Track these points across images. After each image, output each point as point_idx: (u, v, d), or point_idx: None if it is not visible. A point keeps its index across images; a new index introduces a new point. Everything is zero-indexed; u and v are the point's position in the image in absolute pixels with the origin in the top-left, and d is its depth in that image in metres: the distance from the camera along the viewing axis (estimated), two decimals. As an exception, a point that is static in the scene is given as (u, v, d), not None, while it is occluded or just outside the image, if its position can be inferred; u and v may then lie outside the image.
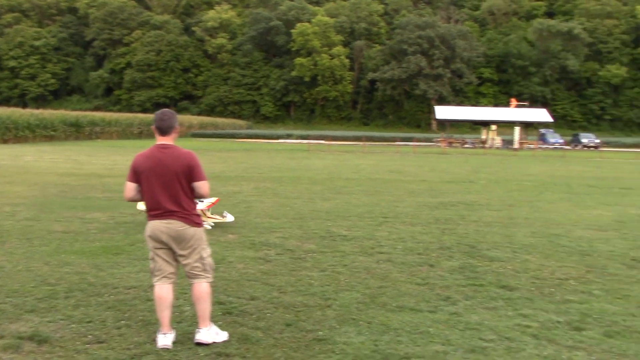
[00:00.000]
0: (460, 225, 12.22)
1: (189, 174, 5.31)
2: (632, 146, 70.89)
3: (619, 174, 29.45)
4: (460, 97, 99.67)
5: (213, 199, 11.44)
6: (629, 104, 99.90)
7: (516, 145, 62.88)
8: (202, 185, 5.37)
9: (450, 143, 66.58)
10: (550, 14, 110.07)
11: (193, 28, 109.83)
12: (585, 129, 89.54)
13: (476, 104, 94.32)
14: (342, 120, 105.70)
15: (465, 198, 17.19)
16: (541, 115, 71.07)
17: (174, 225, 5.29)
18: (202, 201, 10.77)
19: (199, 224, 5.46)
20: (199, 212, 10.87)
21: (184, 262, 5.43)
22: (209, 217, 11.20)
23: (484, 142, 66.76)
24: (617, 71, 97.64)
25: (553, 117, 75.44)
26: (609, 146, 71.65)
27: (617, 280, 8.01)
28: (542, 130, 73.29)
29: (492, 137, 66.52)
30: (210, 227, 10.80)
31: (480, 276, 8.03)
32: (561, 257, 9.38)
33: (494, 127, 67.36)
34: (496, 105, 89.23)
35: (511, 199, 17.34)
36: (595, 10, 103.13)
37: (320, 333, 5.72)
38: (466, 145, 66.59)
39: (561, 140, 69.51)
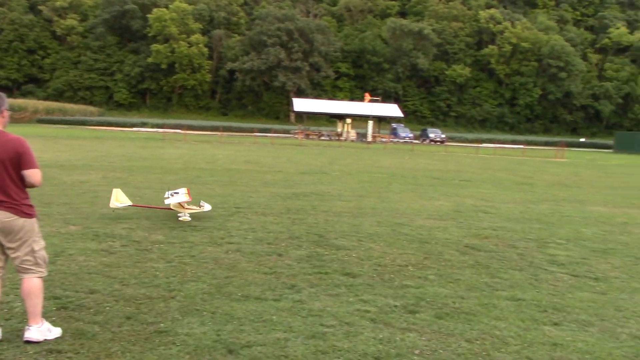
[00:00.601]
0: (311, 215, 12.49)
1: (18, 161, 4.96)
2: (474, 141, 76.21)
3: (460, 167, 31.54)
4: (318, 90, 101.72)
5: (184, 193, 11.39)
6: (471, 102, 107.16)
7: (369, 138, 65.33)
8: (32, 174, 5.04)
9: (307, 135, 67.80)
10: (403, 14, 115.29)
11: (39, 7, 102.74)
12: (433, 125, 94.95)
13: (333, 97, 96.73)
14: (201, 109, 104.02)
15: (318, 189, 17.59)
16: (393, 110, 74.39)
17: (0, 216, 4.94)
18: (175, 194, 11.39)
19: (29, 215, 5.11)
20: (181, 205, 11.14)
21: (13, 255, 5.08)
22: (186, 208, 11.24)
23: (339, 134, 68.68)
24: (461, 71, 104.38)
25: (404, 112, 79.31)
26: (453, 141, 76.64)
27: (450, 266, 8.59)
28: (394, 125, 76.70)
29: (348, 130, 68.61)
30: (189, 219, 11.00)
31: (326, 264, 8.27)
32: (402, 244, 9.89)
33: (349, 120, 69.50)
34: (352, 99, 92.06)
35: (362, 190, 18.00)
36: (444, 12, 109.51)
37: (162, 325, 5.60)
38: (322, 138, 68.14)
39: (411, 135, 73.19)
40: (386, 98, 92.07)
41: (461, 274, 8.16)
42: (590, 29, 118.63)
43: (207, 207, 11.50)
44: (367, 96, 77.41)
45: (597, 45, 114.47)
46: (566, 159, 48.31)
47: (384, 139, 68.61)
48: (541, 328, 6.15)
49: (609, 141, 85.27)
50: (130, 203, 11.12)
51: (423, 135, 75.33)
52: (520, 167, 33.78)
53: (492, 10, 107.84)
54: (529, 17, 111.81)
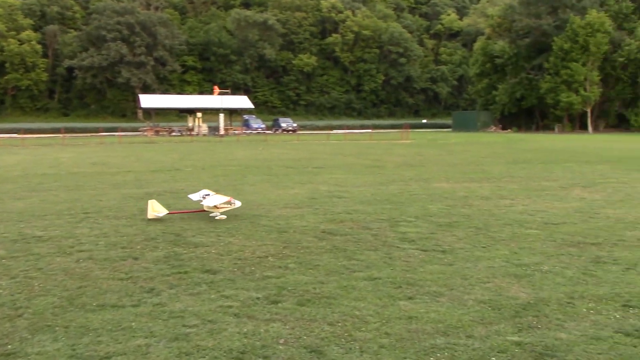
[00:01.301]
0: (166, 214, 12.16)
1: None
2: (324, 128, 78.08)
3: (313, 154, 32.21)
4: (166, 85, 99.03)
5: (226, 198, 11.93)
6: (319, 90, 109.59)
7: (222, 131, 64.77)
8: None
9: (157, 132, 65.87)
10: (246, 5, 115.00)
11: None
12: (285, 114, 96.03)
13: (181, 92, 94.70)
14: (39, 111, 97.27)
15: (171, 186, 17.17)
16: (243, 102, 74.28)
17: None
18: (206, 196, 12.17)
19: None
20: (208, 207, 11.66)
21: None
22: (218, 208, 11.75)
23: (190, 129, 67.42)
24: (308, 60, 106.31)
25: (255, 103, 79.47)
26: (305, 129, 77.99)
27: (309, 252, 8.76)
28: (246, 117, 76.63)
29: (199, 124, 67.55)
30: (224, 217, 11.60)
31: (185, 263, 8.11)
32: (261, 236, 9.94)
33: (199, 114, 68.42)
34: (201, 93, 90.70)
35: (216, 184, 17.80)
36: (287, 2, 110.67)
37: (10, 347, 5.21)
38: (173, 134, 66.54)
39: (263, 126, 73.56)
40: (236, 90, 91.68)
41: (320, 259, 8.35)
42: (425, 15, 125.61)
43: (237, 203, 12.05)
44: (216, 89, 76.61)
45: (432, 31, 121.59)
46: (411, 140, 50.93)
47: (236, 132, 68.37)
48: (397, 304, 6.45)
49: (448, 121, 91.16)
50: (166, 212, 11.59)
51: (275, 125, 75.99)
52: (370, 151, 35.12)
53: (334, 0, 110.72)
54: (369, 6, 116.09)
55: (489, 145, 42.35)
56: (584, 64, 67.42)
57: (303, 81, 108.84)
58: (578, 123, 72.93)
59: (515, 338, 5.52)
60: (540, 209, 12.81)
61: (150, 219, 11.39)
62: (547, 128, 74.23)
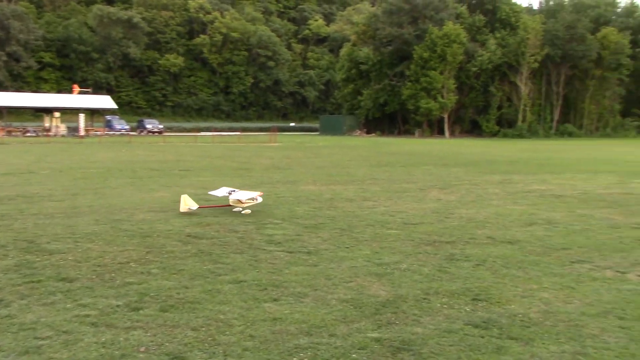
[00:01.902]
0: (18, 220, 11.40)
1: None
2: (192, 130, 76.67)
3: (180, 157, 31.54)
4: (20, 83, 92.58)
5: (256, 194, 13.02)
6: (187, 91, 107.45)
7: (82, 132, 61.70)
8: None
9: (9, 132, 61.49)
10: (110, 1, 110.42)
11: None
12: (150, 115, 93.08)
13: (37, 90, 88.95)
14: None
15: (25, 190, 16.10)
16: (106, 102, 71.16)
17: None
18: (232, 192, 13.08)
19: None
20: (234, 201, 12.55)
21: None
22: (243, 203, 12.64)
23: (47, 130, 63.60)
24: (175, 60, 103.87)
25: (118, 103, 76.42)
26: (171, 131, 76.22)
27: (173, 257, 8.57)
28: (108, 117, 73.49)
29: (57, 124, 63.90)
30: (249, 212, 12.50)
31: (38, 272, 7.64)
32: (123, 241, 9.58)
33: (57, 114, 64.71)
34: (59, 91, 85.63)
35: (76, 187, 16.94)
36: (152, 1, 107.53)
37: None
38: (28, 134, 62.38)
39: (127, 127, 70.90)
40: (98, 89, 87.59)
41: (184, 263, 8.20)
42: (293, 20, 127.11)
43: (259, 198, 12.96)
44: (76, 88, 72.85)
45: (300, 36, 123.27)
46: (279, 143, 51.31)
47: (98, 132, 65.41)
48: (262, 306, 6.48)
49: (316, 124, 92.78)
50: (197, 206, 12.49)
51: (140, 127, 73.56)
52: (238, 154, 34.98)
53: (202, 0, 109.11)
54: (237, 8, 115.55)
55: (354, 148, 43.65)
56: (441, 73, 71.27)
57: (170, 82, 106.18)
58: (436, 128, 76.96)
59: (375, 334, 5.73)
60: (400, 210, 13.39)
61: (183, 212, 12.29)
62: (408, 132, 77.68)
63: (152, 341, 5.42)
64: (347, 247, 9.43)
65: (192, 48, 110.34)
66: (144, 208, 13.10)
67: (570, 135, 74.06)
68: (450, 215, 12.78)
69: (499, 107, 75.13)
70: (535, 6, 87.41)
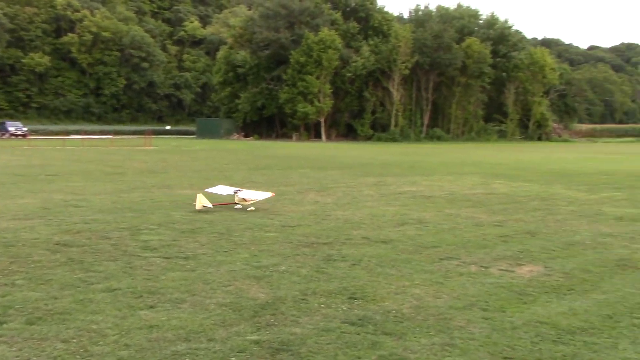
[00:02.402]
0: None
1: None
2: (60, 133, 72.77)
3: (47, 161, 29.87)
4: None
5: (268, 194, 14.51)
6: (54, 92, 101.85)
7: None
8: None
9: None
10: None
11: None
12: (13, 117, 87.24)
13: None
14: None
15: None
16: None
17: None
18: (238, 191, 14.40)
19: None
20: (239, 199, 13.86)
21: None
22: (247, 201, 13.94)
23: None
24: (40, 60, 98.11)
25: (-24, 104, 71.02)
26: (37, 134, 71.94)
27: (40, 267, 8.12)
28: (-35, 119, 68.18)
29: None
30: (253, 209, 13.77)
31: None
32: (-17, 251, 8.95)
33: None
34: None
35: None
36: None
37: None
38: None
39: (-13, 130, 66.24)
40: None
41: (53, 273, 7.79)
42: (168, 21, 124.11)
43: (263, 196, 14.30)
44: None
45: (175, 37, 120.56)
46: (154, 146, 49.95)
47: (-47, 135, 60.50)
48: (137, 314, 6.30)
49: (192, 128, 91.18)
50: (211, 205, 13.49)
51: (2, 130, 68.88)
52: (110, 157, 33.67)
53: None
54: (108, 7, 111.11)
55: (232, 152, 43.39)
56: (317, 77, 72.47)
57: (35, 82, 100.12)
58: (313, 132, 78.15)
59: (254, 337, 5.75)
60: (278, 213, 13.50)
61: (198, 210, 13.34)
62: (285, 136, 78.28)
63: (17, 356, 5.12)
64: (226, 251, 9.37)
65: (60, 47, 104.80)
66: (7, 216, 12.30)
67: (439, 139, 77.90)
68: (327, 217, 13.05)
69: (373, 112, 77.58)
70: (406, 15, 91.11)
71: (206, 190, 14.91)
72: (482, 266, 8.86)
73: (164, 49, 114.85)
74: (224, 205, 14.09)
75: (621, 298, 7.40)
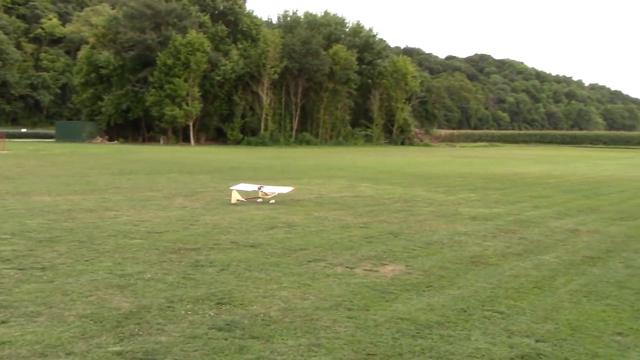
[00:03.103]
0: None
1: None
2: None
3: None
4: None
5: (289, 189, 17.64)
6: None
7: None
8: None
9: None
10: None
11: None
12: None
13: None
14: None
15: None
16: None
17: None
18: (261, 187, 17.16)
19: None
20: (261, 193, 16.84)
21: None
22: (267, 195, 16.82)
23: None
24: None
25: None
26: None
27: None
28: None
29: None
30: (274, 201, 16.68)
31: None
32: None
33: None
34: None
35: None
36: None
37: None
38: None
39: None
40: None
41: None
42: (23, 17, 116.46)
43: (285, 190, 17.30)
44: None
45: (31, 35, 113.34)
46: (8, 150, 46.64)
47: None
48: (-13, 330, 5.88)
49: (51, 131, 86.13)
50: (244, 199, 16.34)
51: None
52: (-43, 163, 31.01)
53: None
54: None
55: (95, 156, 41.48)
56: (185, 80, 71.07)
57: None
58: (182, 135, 76.53)
59: (117, 348, 5.56)
60: (144, 219, 13.11)
61: (233, 204, 15.90)
62: (153, 140, 76.03)
63: None
64: (87, 260, 8.97)
65: None
66: None
67: (308, 143, 79.19)
68: (196, 222, 12.86)
69: (243, 116, 77.37)
70: (275, 20, 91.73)
71: (230, 188, 17.36)
72: (347, 267, 9.12)
73: (18, 47, 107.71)
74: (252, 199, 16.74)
75: (474, 292, 7.93)
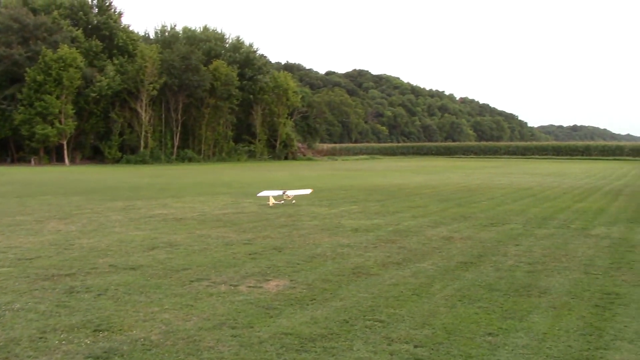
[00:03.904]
0: None
1: None
2: None
3: None
4: None
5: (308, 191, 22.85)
6: None
7: None
8: None
9: None
10: None
11: None
12: None
13: None
14: None
15: None
16: None
17: None
18: (285, 191, 21.55)
19: None
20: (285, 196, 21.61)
21: None
22: (288, 197, 20.87)
23: None
24: None
25: None
26: None
27: None
28: None
29: None
30: (294, 201, 20.91)
31: None
32: None
33: None
34: None
35: None
36: None
37: None
38: None
39: None
40: None
41: None
42: None
43: (305, 192, 22.48)
44: None
45: None
46: None
47: None
48: None
49: None
50: (280, 201, 20.80)
51: None
52: None
53: None
54: None
55: (-43, 179, 38.47)
56: (58, 97, 67.79)
57: None
58: (55, 155, 72.80)
59: (-18, 386, 5.18)
60: (14, 245, 12.34)
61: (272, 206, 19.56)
62: (23, 160, 71.74)
63: None
64: (-53, 293, 8.29)
65: None
66: None
67: (190, 160, 77.86)
68: (71, 247, 12.26)
69: (121, 134, 74.83)
70: (152, 35, 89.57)
71: (257, 195, 22.12)
72: (231, 285, 9.05)
73: None
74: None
75: (356, 303, 8.11)
